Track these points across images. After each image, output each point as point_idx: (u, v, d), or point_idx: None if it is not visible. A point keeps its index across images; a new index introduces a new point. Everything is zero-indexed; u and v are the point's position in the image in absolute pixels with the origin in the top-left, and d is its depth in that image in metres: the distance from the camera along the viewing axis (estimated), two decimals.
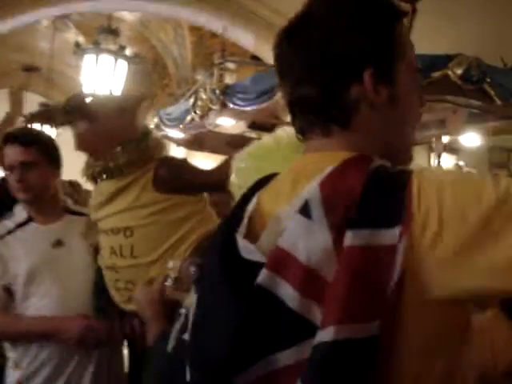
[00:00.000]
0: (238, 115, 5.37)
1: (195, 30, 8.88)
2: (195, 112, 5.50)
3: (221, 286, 0.95)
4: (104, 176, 2.27)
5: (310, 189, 0.92)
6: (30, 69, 12.18)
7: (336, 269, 0.85)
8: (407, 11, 1.10)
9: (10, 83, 12.71)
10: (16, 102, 12.38)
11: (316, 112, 1.03)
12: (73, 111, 2.22)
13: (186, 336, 1.03)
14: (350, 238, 0.85)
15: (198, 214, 2.29)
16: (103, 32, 7.47)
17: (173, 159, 2.49)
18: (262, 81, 4.82)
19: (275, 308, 0.88)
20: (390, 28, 1.05)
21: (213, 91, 5.29)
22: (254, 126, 6.78)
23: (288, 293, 0.87)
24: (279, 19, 7.04)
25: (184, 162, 2.49)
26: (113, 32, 7.59)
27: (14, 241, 2.51)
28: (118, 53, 7.31)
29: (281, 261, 0.89)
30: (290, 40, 1.07)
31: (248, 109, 4.95)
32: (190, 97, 5.81)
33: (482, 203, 0.83)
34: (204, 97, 5.40)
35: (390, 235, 0.85)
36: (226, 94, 5.18)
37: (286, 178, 1.05)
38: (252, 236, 0.98)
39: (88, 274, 2.48)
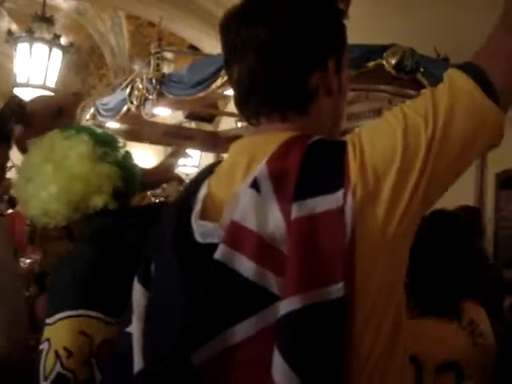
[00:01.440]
0: (174, 105, 5.32)
1: (133, 19, 8.76)
2: (131, 102, 5.42)
3: (176, 273, 0.97)
4: None
5: (260, 167, 0.96)
6: None
7: (288, 241, 0.89)
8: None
9: None
10: None
11: (276, 97, 1.05)
12: (9, 116, 2.15)
13: (132, 329, 1.04)
14: (296, 210, 0.90)
15: None
16: (37, 20, 7.25)
17: None
18: (198, 70, 4.79)
19: (232, 281, 0.90)
20: (343, 19, 1.11)
21: (149, 80, 5.23)
22: (191, 116, 6.74)
23: (244, 264, 0.90)
24: (218, 9, 7.01)
25: None
26: (47, 20, 7.39)
27: None
28: (53, 42, 7.12)
29: (236, 234, 0.92)
30: (252, 20, 1.06)
31: (184, 98, 4.90)
32: (126, 86, 5.72)
33: (396, 157, 0.92)
34: (140, 86, 5.33)
35: (333, 199, 0.90)
36: (163, 83, 5.12)
37: (236, 161, 1.06)
38: (208, 220, 1.00)
39: None
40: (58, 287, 1.43)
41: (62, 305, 1.36)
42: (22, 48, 7.00)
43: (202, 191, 1.05)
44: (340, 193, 0.90)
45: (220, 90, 4.91)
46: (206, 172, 1.11)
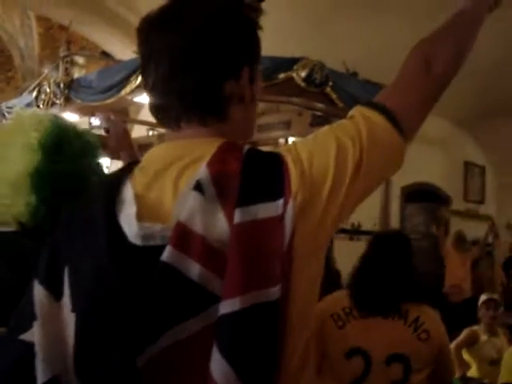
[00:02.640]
0: (82, 110, 5.19)
1: (43, 20, 8.52)
2: (38, 106, 5.27)
3: (109, 276, 0.97)
4: None
5: (200, 170, 0.98)
6: None
7: (230, 244, 0.93)
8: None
9: None
10: None
11: (193, 102, 1.08)
12: None
13: (31, 336, 1.01)
14: (238, 217, 0.94)
15: None
16: None
17: None
18: (108, 75, 4.72)
19: (179, 283, 0.93)
20: (256, 29, 1.14)
21: (57, 85, 5.10)
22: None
23: (190, 266, 0.93)
24: (130, 15, 6.93)
25: None
26: None
27: None
28: None
29: (182, 236, 0.94)
30: (166, 27, 1.08)
31: (92, 104, 4.81)
32: (33, 90, 5.56)
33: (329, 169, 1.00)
34: (48, 90, 5.19)
35: (275, 206, 0.95)
36: (71, 88, 5.01)
37: (164, 164, 1.06)
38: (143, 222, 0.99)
39: None
40: None
41: None
42: None
43: (127, 192, 1.04)
44: (281, 201, 0.95)
45: (130, 97, 4.85)
46: (124, 172, 1.10)
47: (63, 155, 1.46)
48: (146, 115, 8.43)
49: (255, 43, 1.15)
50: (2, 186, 1.42)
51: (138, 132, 9.11)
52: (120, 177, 1.09)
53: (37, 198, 1.42)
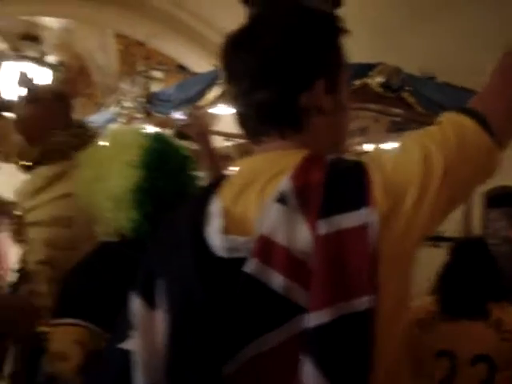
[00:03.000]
0: (163, 124, 5.29)
1: (121, 38, 8.75)
2: (120, 121, 5.40)
3: (196, 288, 1.00)
4: (42, 160, 2.18)
5: (283, 182, 1.00)
6: None
7: (315, 256, 0.94)
8: (344, 25, 1.19)
9: None
10: None
11: (272, 117, 1.12)
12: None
13: (130, 345, 1.05)
14: (321, 227, 0.94)
15: None
16: (24, 38, 7.27)
17: None
18: (185, 89, 4.79)
19: (262, 294, 0.95)
20: (336, 40, 1.17)
21: (137, 99, 5.22)
22: (179, 134, 6.72)
23: (274, 278, 0.94)
24: (205, 29, 7.04)
25: None
26: (34, 39, 7.40)
27: None
28: (40, 60, 7.12)
29: (265, 248, 0.96)
30: (243, 47, 1.14)
31: (172, 116, 4.90)
32: (113, 105, 5.71)
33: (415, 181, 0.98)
34: (128, 105, 5.32)
35: (357, 216, 0.95)
36: (150, 102, 5.12)
37: (250, 178, 1.09)
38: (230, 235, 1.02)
39: None
40: (66, 294, 1.49)
41: (66, 311, 1.43)
42: (8, 66, 6.99)
43: (216, 205, 1.07)
44: (364, 210, 0.96)
45: (207, 109, 4.91)
46: (213, 186, 1.14)
47: (164, 171, 1.51)
48: (222, 126, 8.55)
49: (334, 53, 1.17)
50: (105, 200, 1.47)
51: (216, 143, 9.23)
52: (208, 191, 1.13)
53: (139, 213, 1.48)
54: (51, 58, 7.87)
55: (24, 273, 2.31)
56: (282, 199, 0.98)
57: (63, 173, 2.19)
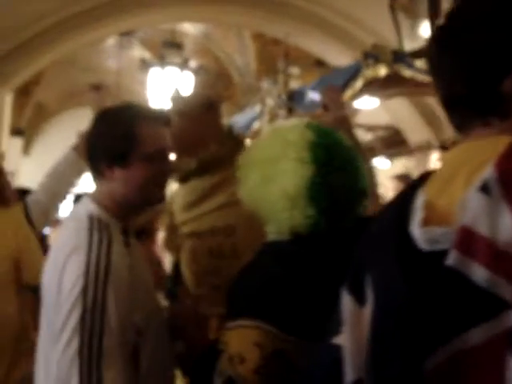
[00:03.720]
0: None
1: (258, 37, 8.91)
2: (262, 119, 5.49)
3: (398, 283, 0.98)
4: (197, 173, 2.24)
5: (487, 171, 0.95)
6: (98, 87, 12.49)
7: None
8: None
9: (80, 103, 13.05)
10: None
11: (474, 108, 1.10)
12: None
13: (340, 340, 1.06)
14: None
15: None
16: (167, 46, 7.57)
17: None
18: (328, 83, 4.76)
19: (464, 288, 0.91)
20: None
21: (279, 97, 5.28)
22: None
23: (476, 270, 0.90)
24: (342, 22, 6.99)
25: None
26: (177, 46, 7.70)
27: None
28: (183, 65, 7.39)
29: (467, 239, 0.92)
30: (442, 41, 1.14)
31: (314, 113, 4.90)
32: (256, 104, 5.81)
33: None
34: (271, 103, 5.39)
35: None
36: (292, 98, 5.15)
37: (455, 169, 1.07)
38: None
39: None
40: (241, 294, 1.50)
41: (243, 313, 1.43)
42: (154, 72, 7.30)
43: (420, 199, 1.07)
44: None
45: (349, 102, 4.88)
46: (420, 180, 1.14)
47: (334, 165, 1.50)
48: (365, 119, 8.46)
49: None
50: (279, 200, 1.48)
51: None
52: (415, 185, 1.12)
53: (316, 210, 1.47)
54: (192, 63, 8.13)
55: (181, 280, 2.38)
56: (484, 188, 0.94)
57: (220, 183, 2.21)
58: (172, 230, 2.42)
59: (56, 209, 2.92)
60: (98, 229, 1.63)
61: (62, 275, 1.56)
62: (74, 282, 1.53)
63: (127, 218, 1.78)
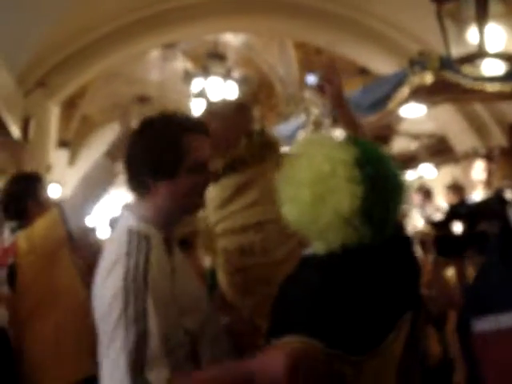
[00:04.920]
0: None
1: (300, 47, 8.89)
2: (307, 128, 5.46)
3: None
4: (226, 171, 2.25)
5: None
6: (142, 99, 12.61)
7: None
8: None
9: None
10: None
11: None
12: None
13: None
14: None
15: None
16: (211, 57, 7.61)
17: None
18: (373, 91, 4.73)
19: None
20: None
21: (324, 106, 5.24)
22: None
23: None
24: (388, 29, 6.93)
25: None
26: (220, 57, 7.73)
27: None
28: (226, 76, 7.42)
29: None
30: None
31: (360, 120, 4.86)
32: (300, 114, 5.79)
33: None
34: (315, 112, 5.36)
35: None
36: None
37: None
38: None
39: None
40: (286, 308, 1.49)
41: (288, 328, 1.41)
42: (198, 83, 7.34)
43: None
44: None
45: (396, 110, 4.83)
46: None
47: (381, 180, 1.50)
48: (410, 127, 8.37)
49: None
50: (334, 219, 1.47)
51: (399, 144, 9.07)
52: None
53: (369, 226, 1.48)
54: (235, 74, 8.16)
55: (215, 285, 2.39)
56: None
57: (250, 181, 2.22)
58: (207, 232, 2.43)
59: (86, 214, 2.93)
60: (136, 241, 1.63)
61: (104, 289, 1.59)
62: (115, 295, 1.54)
63: (169, 228, 1.77)
